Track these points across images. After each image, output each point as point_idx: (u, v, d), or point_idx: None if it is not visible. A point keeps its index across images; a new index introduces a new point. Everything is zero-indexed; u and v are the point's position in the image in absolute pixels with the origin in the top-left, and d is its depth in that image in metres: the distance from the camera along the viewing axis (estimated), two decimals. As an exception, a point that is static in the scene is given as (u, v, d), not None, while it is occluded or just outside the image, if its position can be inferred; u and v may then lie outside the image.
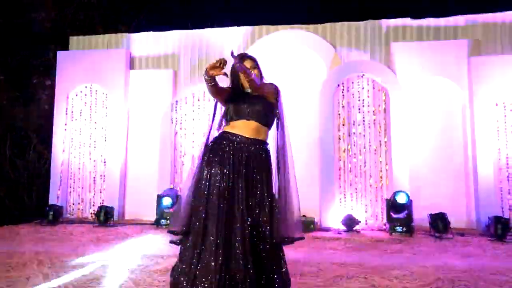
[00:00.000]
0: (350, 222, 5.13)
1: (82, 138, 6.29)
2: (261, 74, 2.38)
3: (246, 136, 2.25)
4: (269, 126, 2.33)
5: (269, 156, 2.32)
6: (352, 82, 5.80)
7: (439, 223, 4.76)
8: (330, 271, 3.10)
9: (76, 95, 6.38)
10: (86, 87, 6.36)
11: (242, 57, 2.35)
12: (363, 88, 5.77)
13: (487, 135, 5.37)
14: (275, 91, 2.33)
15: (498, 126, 5.41)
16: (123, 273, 2.99)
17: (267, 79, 2.42)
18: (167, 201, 5.34)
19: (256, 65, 2.38)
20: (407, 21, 5.98)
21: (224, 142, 2.24)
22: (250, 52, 6.04)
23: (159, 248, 3.95)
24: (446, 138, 5.55)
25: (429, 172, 5.46)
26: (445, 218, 4.79)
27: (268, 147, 2.33)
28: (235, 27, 6.37)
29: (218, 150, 2.23)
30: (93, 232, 4.88)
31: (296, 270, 3.09)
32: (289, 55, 6.09)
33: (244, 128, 2.25)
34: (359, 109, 5.76)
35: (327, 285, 2.74)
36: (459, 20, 5.90)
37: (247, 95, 2.32)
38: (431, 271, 3.12)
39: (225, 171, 2.16)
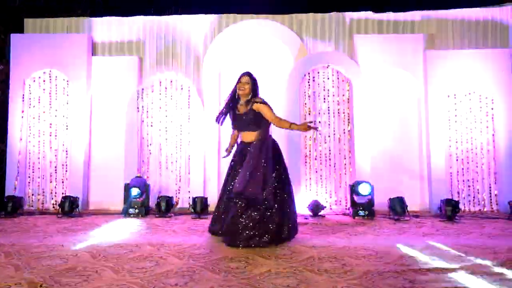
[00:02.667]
0: (316, 208, 5.36)
1: (42, 126, 6.01)
2: (255, 89, 3.69)
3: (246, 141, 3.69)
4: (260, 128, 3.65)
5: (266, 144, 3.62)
6: (318, 73, 5.99)
7: (398, 207, 5.11)
8: (302, 253, 3.27)
9: (34, 81, 6.06)
10: (44, 73, 6.05)
11: (240, 76, 3.70)
12: (328, 79, 5.98)
13: (440, 124, 5.79)
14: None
15: (449, 116, 5.85)
16: (99, 262, 2.98)
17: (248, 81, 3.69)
18: (135, 191, 5.28)
19: (248, 81, 3.63)
20: (369, 14, 6.24)
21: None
22: (217, 40, 6.09)
23: (130, 237, 3.94)
24: (404, 127, 5.91)
25: (389, 158, 5.80)
26: (403, 201, 5.15)
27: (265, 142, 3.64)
28: (202, 15, 6.31)
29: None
30: (58, 223, 4.74)
31: (270, 253, 3.24)
32: (256, 45, 6.16)
33: (242, 136, 3.75)
34: (324, 98, 5.97)
35: (301, 265, 2.90)
36: (416, 15, 6.24)
37: (237, 113, 3.68)
38: (393, 250, 3.39)
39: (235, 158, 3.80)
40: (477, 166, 5.77)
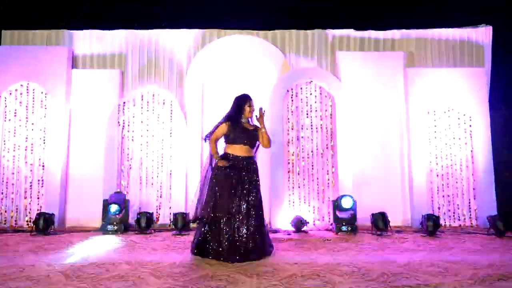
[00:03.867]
0: (299, 223, 5.31)
1: (17, 140, 5.82)
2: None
3: (243, 155, 3.75)
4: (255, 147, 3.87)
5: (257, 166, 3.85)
6: (301, 88, 6.03)
7: (380, 222, 5.11)
8: (285, 270, 3.20)
9: (10, 94, 5.90)
10: (21, 85, 5.90)
11: (249, 98, 3.86)
12: (311, 94, 6.02)
13: (420, 140, 5.87)
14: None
15: (429, 132, 5.94)
16: (71, 283, 2.84)
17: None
18: (114, 208, 5.14)
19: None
20: (351, 32, 6.35)
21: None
22: (200, 54, 6.09)
23: (107, 256, 3.79)
24: (386, 142, 5.96)
25: (371, 174, 5.83)
26: (385, 217, 5.15)
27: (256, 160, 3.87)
28: (186, 30, 6.30)
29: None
30: (31, 242, 4.53)
31: (252, 271, 3.16)
32: (240, 60, 6.18)
33: (241, 150, 3.74)
34: (307, 114, 5.99)
35: (282, 284, 2.83)
36: (396, 33, 6.39)
37: (243, 127, 3.78)
38: (375, 266, 3.35)
39: (231, 174, 3.67)
40: (456, 182, 5.85)
